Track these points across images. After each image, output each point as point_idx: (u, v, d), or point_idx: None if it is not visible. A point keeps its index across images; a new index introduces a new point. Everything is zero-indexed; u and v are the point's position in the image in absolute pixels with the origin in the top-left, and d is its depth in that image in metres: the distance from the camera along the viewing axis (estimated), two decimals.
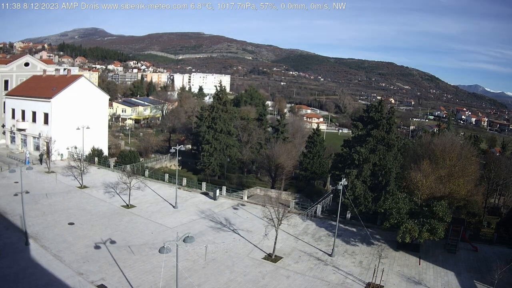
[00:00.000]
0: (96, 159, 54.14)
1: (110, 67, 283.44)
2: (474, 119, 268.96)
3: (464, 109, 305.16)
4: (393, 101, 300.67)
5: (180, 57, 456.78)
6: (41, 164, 50.31)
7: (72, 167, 43.77)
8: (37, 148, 57.84)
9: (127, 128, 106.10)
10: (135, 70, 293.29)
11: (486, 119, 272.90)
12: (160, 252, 19.11)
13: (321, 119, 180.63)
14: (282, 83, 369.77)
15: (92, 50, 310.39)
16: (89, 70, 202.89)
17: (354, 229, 35.85)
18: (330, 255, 30.00)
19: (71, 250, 27.93)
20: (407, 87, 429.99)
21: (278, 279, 26.01)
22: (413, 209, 30.76)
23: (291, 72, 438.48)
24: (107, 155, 60.44)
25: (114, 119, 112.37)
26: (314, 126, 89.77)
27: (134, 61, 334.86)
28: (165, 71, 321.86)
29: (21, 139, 60.07)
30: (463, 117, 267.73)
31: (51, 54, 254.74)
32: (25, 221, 28.26)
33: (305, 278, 26.29)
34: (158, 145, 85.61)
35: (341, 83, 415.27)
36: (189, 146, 77.78)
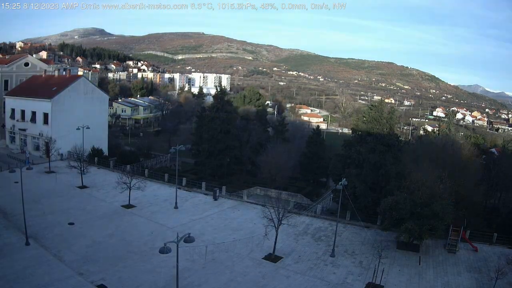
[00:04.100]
0: (96, 159, 54.12)
1: (110, 67, 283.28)
2: (473, 119, 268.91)
3: (464, 109, 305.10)
4: (393, 101, 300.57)
5: (180, 57, 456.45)
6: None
7: (72, 167, 43.74)
8: (37, 148, 57.84)
9: (127, 128, 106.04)
10: (135, 70, 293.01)
11: (486, 119, 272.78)
12: (160, 252, 19.12)
13: (321, 119, 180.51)
14: (282, 83, 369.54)
15: (92, 50, 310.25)
16: (89, 70, 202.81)
17: (354, 229, 35.85)
18: (330, 255, 30.01)
19: (71, 250, 27.95)
20: (407, 87, 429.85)
21: (278, 279, 26.02)
22: (413, 209, 30.75)
23: (291, 72, 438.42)
24: (107, 155, 60.40)
25: (115, 119, 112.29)
26: (314, 126, 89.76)
27: (134, 61, 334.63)
28: (165, 71, 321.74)
29: (21, 139, 60.04)
30: (463, 117, 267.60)
31: (51, 54, 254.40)
32: (25, 221, 28.27)
33: (305, 278, 26.29)
34: (158, 145, 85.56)
35: (341, 83, 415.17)
36: (189, 146, 77.70)
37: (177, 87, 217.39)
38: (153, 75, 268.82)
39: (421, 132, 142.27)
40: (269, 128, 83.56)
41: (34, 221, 31.61)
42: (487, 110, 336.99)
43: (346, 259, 29.69)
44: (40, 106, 56.21)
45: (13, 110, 60.42)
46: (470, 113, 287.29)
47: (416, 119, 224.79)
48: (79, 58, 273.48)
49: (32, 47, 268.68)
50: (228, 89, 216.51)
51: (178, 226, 33.58)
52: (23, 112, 58.99)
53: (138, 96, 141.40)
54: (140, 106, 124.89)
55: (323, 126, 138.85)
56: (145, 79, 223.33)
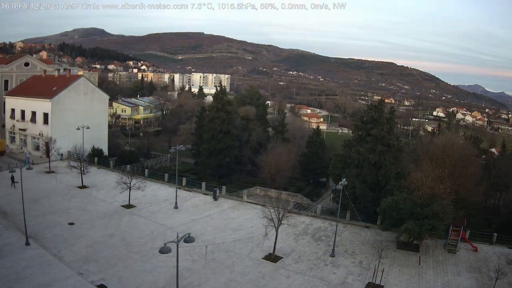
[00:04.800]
0: (96, 159, 54.12)
1: (110, 67, 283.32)
2: (473, 119, 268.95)
3: (464, 109, 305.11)
4: (393, 101, 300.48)
5: (180, 57, 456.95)
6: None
7: (72, 167, 43.75)
8: (37, 148, 57.84)
9: (127, 128, 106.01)
10: (135, 70, 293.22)
11: (486, 119, 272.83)
12: (160, 252, 19.12)
13: (321, 119, 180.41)
14: (282, 83, 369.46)
15: (92, 50, 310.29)
16: (89, 70, 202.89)
17: (354, 229, 35.86)
18: (330, 255, 30.02)
19: (71, 250, 27.96)
20: (407, 87, 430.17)
21: (278, 279, 26.03)
22: (413, 209, 30.77)
23: (291, 72, 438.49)
24: (107, 155, 60.40)
25: (115, 119, 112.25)
26: (314, 126, 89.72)
27: (134, 61, 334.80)
28: (165, 71, 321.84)
29: (21, 139, 60.04)
30: (463, 117, 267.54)
31: (51, 54, 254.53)
32: (25, 221, 28.28)
33: (305, 278, 26.30)
34: (158, 145, 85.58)
35: (341, 83, 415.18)
36: (189, 146, 77.74)
37: (177, 87, 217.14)
38: (153, 75, 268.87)
39: (421, 132, 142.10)
40: (269, 128, 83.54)
41: (34, 221, 31.63)
42: (487, 110, 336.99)
43: (346, 259, 29.70)
44: (40, 106, 56.20)
45: (13, 110, 60.41)
46: (470, 113, 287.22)
47: (416, 119, 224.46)
48: (79, 58, 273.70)
49: (32, 47, 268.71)
50: (228, 89, 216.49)
51: (178, 226, 33.60)
52: (23, 112, 58.97)
53: (138, 96, 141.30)
54: (140, 106, 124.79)
55: (323, 126, 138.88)
56: (145, 79, 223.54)
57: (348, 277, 26.81)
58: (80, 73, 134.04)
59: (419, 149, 49.39)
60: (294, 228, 34.12)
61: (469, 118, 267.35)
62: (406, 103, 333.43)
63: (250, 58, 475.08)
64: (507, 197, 53.42)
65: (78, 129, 50.36)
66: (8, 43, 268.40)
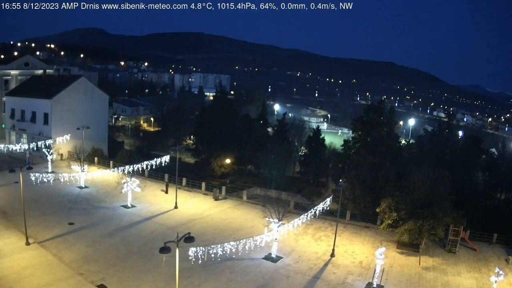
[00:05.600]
0: (96, 159, 54.09)
1: (110, 67, 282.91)
2: (474, 119, 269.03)
3: (464, 109, 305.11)
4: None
5: (180, 57, 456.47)
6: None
7: (72, 167, 43.73)
8: (37, 148, 57.78)
9: (127, 128, 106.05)
10: (135, 70, 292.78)
11: (486, 119, 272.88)
12: (160, 252, 19.10)
13: (321, 119, 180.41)
14: (282, 83, 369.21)
15: (92, 50, 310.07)
16: (89, 70, 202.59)
17: (354, 229, 35.87)
18: (330, 255, 30.03)
19: (71, 250, 27.98)
20: (407, 87, 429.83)
21: (278, 279, 26.05)
22: (413, 209, 30.78)
23: (291, 72, 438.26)
24: (107, 155, 60.38)
25: (115, 119, 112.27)
26: (314, 126, 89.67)
27: (134, 61, 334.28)
28: (165, 71, 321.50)
29: (21, 139, 60.01)
30: (463, 117, 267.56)
31: (51, 54, 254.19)
32: (25, 221, 28.28)
33: (305, 278, 26.32)
34: (157, 145, 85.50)
35: (341, 83, 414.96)
36: (189, 146, 77.76)
37: (177, 87, 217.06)
38: (153, 75, 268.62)
39: (421, 132, 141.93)
40: (269, 128, 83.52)
41: (34, 221, 31.64)
42: (487, 110, 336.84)
43: (346, 259, 29.71)
44: (40, 106, 56.21)
45: (13, 110, 60.41)
46: (470, 113, 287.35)
47: (416, 119, 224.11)
48: (79, 58, 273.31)
49: (32, 47, 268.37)
50: (228, 89, 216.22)
51: (178, 226, 33.61)
52: (23, 112, 58.99)
53: (138, 96, 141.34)
54: (140, 106, 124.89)
55: (323, 126, 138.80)
56: (145, 79, 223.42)
57: (348, 277, 26.83)
58: (80, 73, 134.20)
59: (419, 149, 49.44)
60: (294, 228, 34.08)
61: (469, 118, 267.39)
62: (406, 103, 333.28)
63: (250, 58, 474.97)
64: (507, 197, 53.48)
65: (78, 129, 50.30)
66: (8, 43, 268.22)
